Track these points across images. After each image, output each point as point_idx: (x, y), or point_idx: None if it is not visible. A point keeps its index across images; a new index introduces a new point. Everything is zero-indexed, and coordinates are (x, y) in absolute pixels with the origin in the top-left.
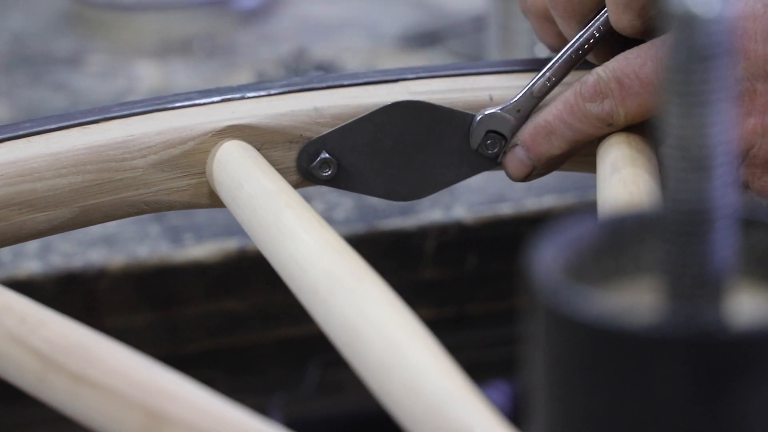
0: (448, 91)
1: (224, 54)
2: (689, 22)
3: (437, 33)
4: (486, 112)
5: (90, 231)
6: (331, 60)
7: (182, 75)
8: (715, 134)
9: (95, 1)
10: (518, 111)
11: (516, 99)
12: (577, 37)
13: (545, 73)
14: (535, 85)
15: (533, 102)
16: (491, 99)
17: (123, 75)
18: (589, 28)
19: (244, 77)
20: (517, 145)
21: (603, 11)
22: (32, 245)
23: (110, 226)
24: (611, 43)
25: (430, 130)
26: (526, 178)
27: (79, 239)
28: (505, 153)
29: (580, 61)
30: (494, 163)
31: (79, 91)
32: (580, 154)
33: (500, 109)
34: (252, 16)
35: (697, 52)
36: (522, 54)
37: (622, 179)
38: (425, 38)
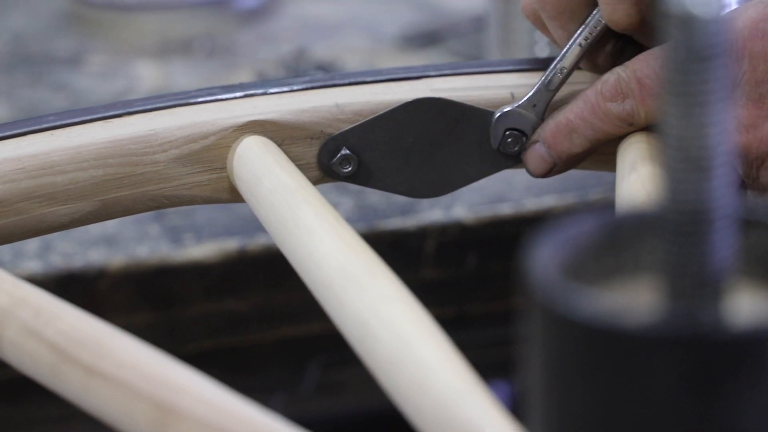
0: (469, 89)
1: (224, 54)
2: (688, 23)
3: (437, 33)
4: (504, 110)
5: (90, 231)
6: (331, 60)
7: (182, 75)
8: (715, 134)
9: (95, 1)
10: (534, 106)
11: (531, 94)
12: (582, 27)
13: (556, 65)
14: (548, 79)
15: (548, 95)
16: (513, 96)
17: (123, 75)
18: (587, 24)
19: (244, 77)
20: (538, 141)
21: (597, 9)
22: (32, 245)
23: (110, 226)
24: (608, 45)
25: (451, 128)
26: (547, 174)
27: (79, 239)
28: (525, 149)
29: (588, 49)
30: (515, 160)
31: (79, 91)
32: (600, 153)
33: (516, 106)
34: (252, 16)
35: (697, 53)
36: (522, 54)
37: (641, 178)
38: (425, 38)
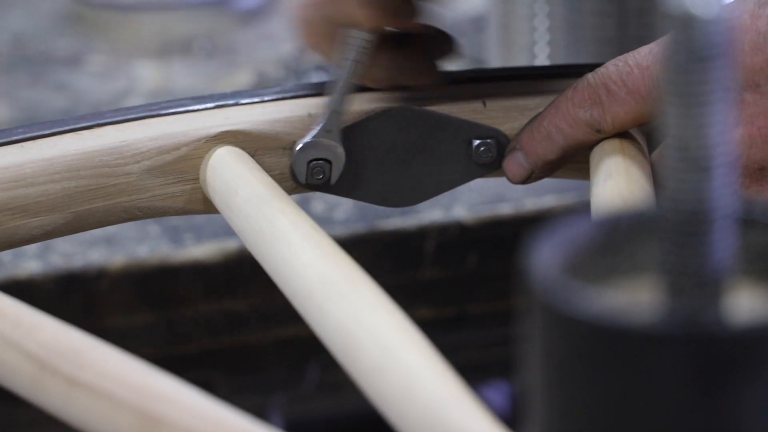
0: (441, 98)
1: (224, 54)
2: (688, 23)
3: None
4: (301, 144)
5: (90, 231)
6: None
7: (182, 75)
8: (714, 134)
9: (95, 1)
10: (329, 132)
11: (323, 123)
12: (350, 47)
13: (341, 87)
14: (336, 102)
15: (339, 117)
16: (485, 105)
17: (123, 75)
18: (352, 43)
19: (244, 77)
20: (516, 148)
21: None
22: (32, 245)
23: (110, 226)
24: (394, 52)
25: (424, 136)
26: (525, 181)
27: (79, 239)
28: (505, 156)
29: (364, 61)
30: (488, 169)
31: (79, 91)
32: (574, 161)
33: (312, 138)
34: (252, 16)
35: (696, 53)
36: (522, 54)
37: (617, 186)
38: None
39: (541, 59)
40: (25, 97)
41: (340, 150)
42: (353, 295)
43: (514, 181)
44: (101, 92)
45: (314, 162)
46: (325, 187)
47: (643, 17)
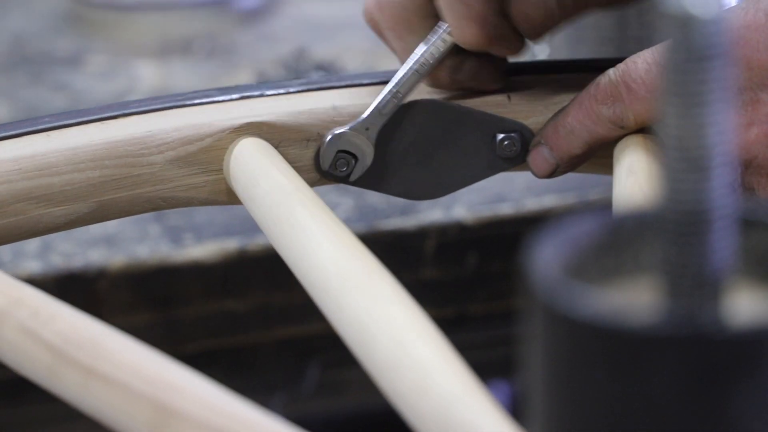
0: (466, 92)
1: (224, 54)
2: (687, 23)
3: None
4: (336, 132)
5: (90, 231)
6: (332, 60)
7: (182, 75)
8: (714, 134)
9: (95, 1)
10: (367, 129)
11: (364, 118)
12: (420, 50)
13: (391, 90)
14: (383, 103)
15: (381, 119)
16: (509, 99)
17: (123, 75)
18: (432, 40)
19: (244, 77)
20: (541, 143)
21: (440, 26)
22: (32, 245)
23: (110, 226)
24: (462, 55)
25: (448, 130)
26: (551, 175)
27: (79, 239)
28: (530, 150)
29: (427, 75)
30: (512, 163)
31: (79, 91)
32: (598, 156)
33: (349, 129)
34: (252, 16)
35: (695, 53)
36: (521, 54)
37: (638, 182)
38: None
39: (541, 59)
40: (25, 97)
41: (370, 150)
42: (370, 289)
43: (539, 176)
44: (101, 92)
45: (341, 153)
46: (347, 179)
47: (643, 17)
